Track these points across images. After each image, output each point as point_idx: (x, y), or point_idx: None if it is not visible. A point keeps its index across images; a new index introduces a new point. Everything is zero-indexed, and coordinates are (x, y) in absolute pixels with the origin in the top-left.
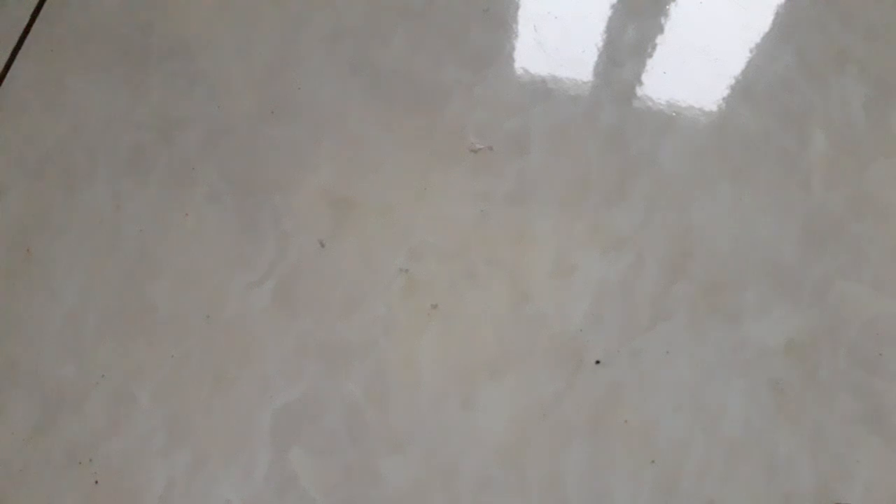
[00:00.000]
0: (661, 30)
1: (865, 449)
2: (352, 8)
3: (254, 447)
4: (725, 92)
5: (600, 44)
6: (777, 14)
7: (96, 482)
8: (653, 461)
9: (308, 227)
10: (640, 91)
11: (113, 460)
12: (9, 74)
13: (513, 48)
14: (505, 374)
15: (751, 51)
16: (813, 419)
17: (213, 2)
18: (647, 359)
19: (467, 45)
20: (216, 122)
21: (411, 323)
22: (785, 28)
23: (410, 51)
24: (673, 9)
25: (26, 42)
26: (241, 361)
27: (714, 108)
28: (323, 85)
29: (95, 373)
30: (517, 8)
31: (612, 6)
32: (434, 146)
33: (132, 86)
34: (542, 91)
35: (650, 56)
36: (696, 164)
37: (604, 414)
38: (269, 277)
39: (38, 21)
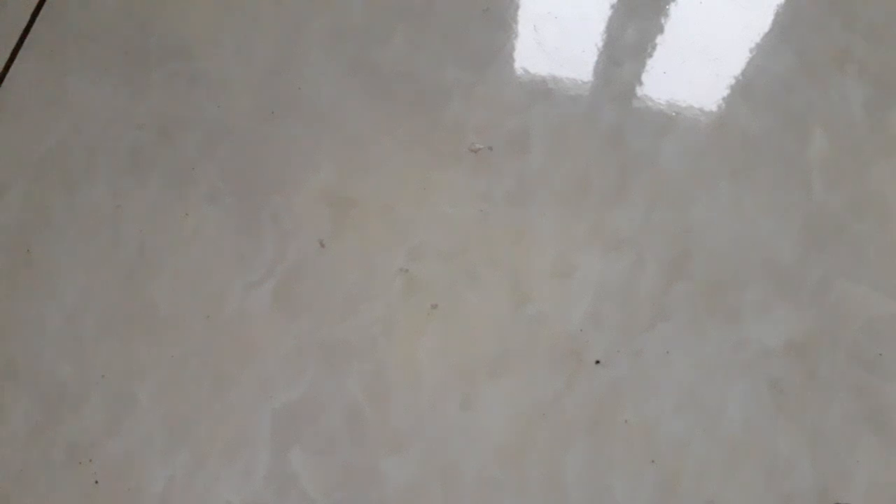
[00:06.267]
0: (661, 30)
1: (865, 449)
2: (352, 8)
3: (254, 447)
4: (725, 92)
5: (600, 44)
6: (777, 14)
7: (96, 482)
8: (653, 461)
9: (308, 227)
10: (640, 91)
11: (113, 460)
12: (9, 74)
13: (513, 48)
14: (505, 374)
15: (751, 51)
16: (813, 419)
17: (213, 2)
18: (647, 359)
19: (467, 45)
20: (216, 122)
21: (411, 323)
22: (785, 28)
23: (410, 51)
24: (673, 9)
25: (26, 42)
26: (241, 361)
27: (714, 108)
28: (323, 85)
29: (95, 373)
30: (517, 8)
31: (612, 6)
32: (434, 146)
33: (132, 86)
34: (542, 91)
35: (650, 56)
36: (696, 164)
37: (604, 414)
38: (269, 277)
39: (38, 21)
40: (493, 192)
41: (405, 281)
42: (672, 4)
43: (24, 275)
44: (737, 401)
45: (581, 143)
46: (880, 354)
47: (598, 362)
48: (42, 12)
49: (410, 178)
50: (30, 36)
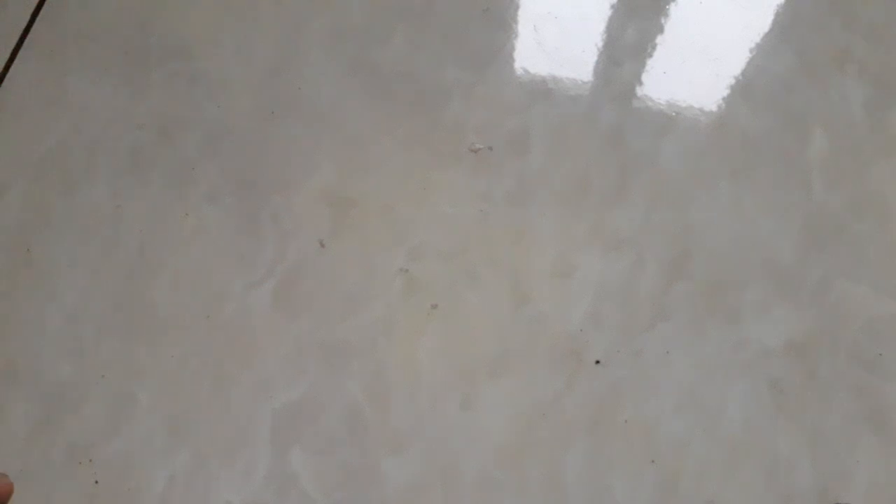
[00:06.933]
0: (661, 30)
1: (865, 449)
2: (352, 8)
3: (254, 447)
4: (725, 92)
5: (600, 44)
6: (777, 14)
7: (96, 482)
8: (653, 461)
9: (308, 227)
10: (640, 91)
11: (113, 460)
12: (9, 74)
13: (513, 48)
14: (505, 374)
15: (751, 51)
16: (813, 419)
17: (213, 2)
18: (647, 359)
19: (467, 45)
20: (216, 122)
21: (411, 323)
22: (785, 28)
23: (410, 51)
24: (673, 9)
25: (26, 42)
26: (241, 361)
27: (714, 108)
28: (323, 85)
29: (95, 373)
30: (517, 8)
31: (612, 6)
32: (434, 146)
33: (132, 86)
34: (542, 91)
35: (650, 56)
36: (696, 164)
37: (604, 414)
38: (269, 277)
39: (38, 21)
40: (493, 192)
41: (405, 281)
42: (672, 4)
43: (24, 275)
44: (737, 401)
45: (581, 143)
46: (880, 354)
47: (598, 362)
48: (42, 12)
49: (410, 178)
50: (30, 36)
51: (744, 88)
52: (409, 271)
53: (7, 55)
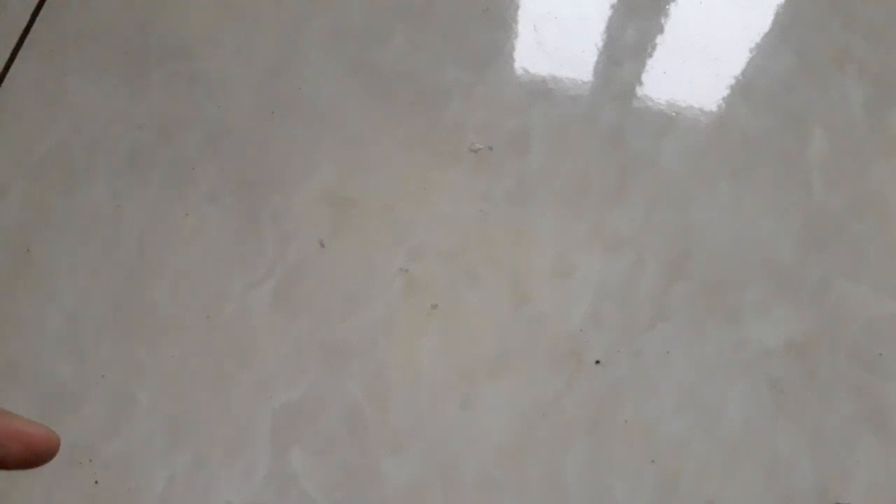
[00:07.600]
0: (661, 30)
1: (865, 449)
2: (352, 8)
3: (254, 447)
4: (725, 92)
5: (600, 44)
6: (777, 14)
7: (96, 482)
8: (653, 461)
9: (308, 227)
10: (640, 91)
11: (113, 460)
12: (9, 74)
13: (513, 48)
14: (505, 374)
15: (751, 51)
16: (813, 419)
17: (213, 2)
18: (647, 359)
19: (467, 45)
20: (216, 122)
21: (411, 323)
22: (785, 28)
23: (410, 51)
24: (673, 9)
25: (26, 42)
26: (241, 361)
27: (714, 108)
28: (323, 85)
29: (95, 373)
30: (517, 8)
31: (612, 6)
32: (434, 146)
33: (132, 86)
34: (542, 91)
35: (650, 56)
36: (696, 164)
37: (604, 414)
38: (269, 277)
39: (38, 21)
40: (493, 192)
41: (405, 281)
42: (672, 4)
43: (24, 275)
44: (737, 401)
45: (581, 143)
46: (880, 354)
47: (598, 362)
48: (42, 12)
49: (410, 178)
50: (30, 36)
51: (744, 88)
52: (409, 271)
53: (7, 55)
